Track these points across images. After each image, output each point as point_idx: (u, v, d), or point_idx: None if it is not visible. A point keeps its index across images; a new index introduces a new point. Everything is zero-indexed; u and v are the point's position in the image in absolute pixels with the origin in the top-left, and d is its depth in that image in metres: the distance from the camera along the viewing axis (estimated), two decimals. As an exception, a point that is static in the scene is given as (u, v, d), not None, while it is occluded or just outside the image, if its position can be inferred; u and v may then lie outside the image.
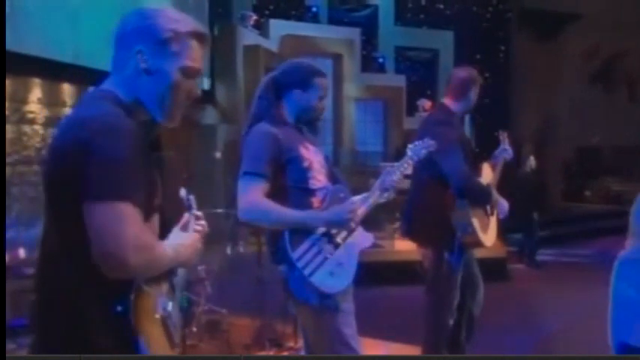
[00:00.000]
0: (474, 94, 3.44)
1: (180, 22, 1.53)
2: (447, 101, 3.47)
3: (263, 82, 2.59)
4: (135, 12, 1.53)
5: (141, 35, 1.49)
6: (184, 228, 1.78)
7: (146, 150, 1.45)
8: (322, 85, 2.56)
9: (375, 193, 2.59)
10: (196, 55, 1.54)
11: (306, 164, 2.44)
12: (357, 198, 2.57)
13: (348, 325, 2.40)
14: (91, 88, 1.58)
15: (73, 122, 1.44)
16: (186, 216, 1.82)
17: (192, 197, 1.90)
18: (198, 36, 1.55)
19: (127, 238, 1.32)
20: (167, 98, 1.53)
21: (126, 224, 1.33)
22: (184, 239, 1.62)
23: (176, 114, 1.56)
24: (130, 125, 1.43)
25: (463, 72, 3.50)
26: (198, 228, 1.81)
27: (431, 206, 3.30)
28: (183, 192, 1.93)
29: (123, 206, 1.33)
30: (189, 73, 1.54)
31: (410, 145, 2.84)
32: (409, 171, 2.79)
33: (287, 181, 2.41)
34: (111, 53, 1.54)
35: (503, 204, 3.44)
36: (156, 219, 1.56)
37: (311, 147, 2.51)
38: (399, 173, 2.66)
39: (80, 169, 1.34)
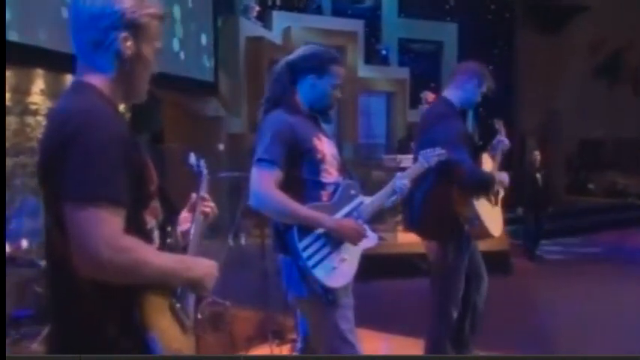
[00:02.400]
0: (474, 88, 3.39)
1: (151, 4, 1.52)
2: (447, 93, 3.46)
3: (279, 64, 2.56)
4: None
5: (120, 20, 1.46)
6: (191, 209, 1.78)
7: (129, 138, 1.45)
8: (338, 73, 2.52)
9: (383, 197, 2.60)
10: (161, 35, 1.57)
11: (319, 156, 2.42)
12: (366, 200, 2.56)
13: (347, 320, 2.40)
14: (73, 79, 1.54)
15: (57, 117, 1.44)
16: (193, 197, 1.83)
17: (202, 162, 1.90)
18: (162, 17, 1.56)
19: (103, 239, 1.31)
20: (145, 81, 1.56)
21: (101, 226, 1.32)
22: (202, 259, 1.60)
23: (145, 92, 1.59)
24: (113, 119, 1.43)
25: (465, 64, 3.52)
26: (207, 210, 1.81)
27: (436, 199, 3.29)
28: (192, 157, 1.93)
29: (100, 208, 1.32)
30: (159, 53, 1.57)
31: (422, 152, 2.89)
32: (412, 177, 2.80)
33: (299, 172, 2.40)
34: (72, 31, 1.49)
35: (504, 176, 3.43)
36: (156, 204, 1.55)
37: (325, 139, 2.49)
38: (408, 180, 2.67)
39: (60, 167, 1.35)
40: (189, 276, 1.52)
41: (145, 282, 1.43)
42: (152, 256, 1.43)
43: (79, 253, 1.33)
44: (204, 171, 1.91)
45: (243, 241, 6.14)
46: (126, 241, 1.36)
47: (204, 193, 1.84)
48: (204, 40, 8.18)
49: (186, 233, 1.74)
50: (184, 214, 1.82)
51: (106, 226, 1.33)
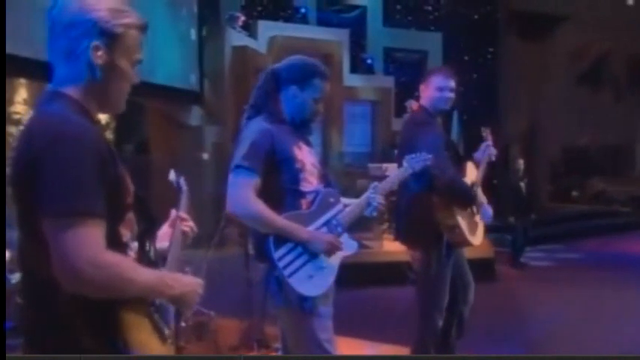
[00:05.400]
0: (438, 89, 3.40)
1: (128, 14, 1.50)
2: (423, 101, 3.51)
3: (264, 72, 2.56)
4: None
5: (93, 29, 1.44)
6: (171, 226, 1.77)
7: (108, 150, 1.43)
8: (320, 87, 2.50)
9: (363, 205, 2.57)
10: (141, 47, 1.55)
11: (298, 165, 2.41)
12: (347, 204, 2.55)
13: (325, 330, 2.39)
14: (46, 88, 1.52)
15: (31, 128, 1.41)
16: (173, 213, 1.81)
17: (182, 179, 1.89)
18: (142, 28, 1.54)
19: (84, 254, 1.29)
20: (122, 92, 1.54)
21: (82, 241, 1.30)
22: (184, 277, 1.56)
23: (123, 103, 1.56)
24: (88, 129, 1.40)
25: (430, 71, 3.59)
26: (186, 229, 1.80)
27: (417, 208, 3.30)
28: (172, 174, 1.92)
29: (79, 222, 1.30)
30: (137, 64, 1.55)
31: (407, 157, 2.86)
32: (396, 183, 2.80)
33: (278, 180, 2.39)
34: (48, 40, 1.47)
35: (488, 209, 3.45)
36: (131, 216, 1.52)
37: (305, 147, 2.49)
38: (390, 185, 2.67)
39: (35, 180, 1.32)
40: (170, 293, 1.49)
41: (125, 297, 1.41)
42: (133, 272, 1.41)
43: (61, 269, 1.30)
44: (185, 187, 1.90)
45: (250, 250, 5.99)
46: (108, 256, 1.34)
47: (183, 212, 1.82)
48: (189, 49, 8.18)
49: (164, 251, 1.71)
50: (164, 230, 1.79)
51: (86, 241, 1.30)
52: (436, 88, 3.41)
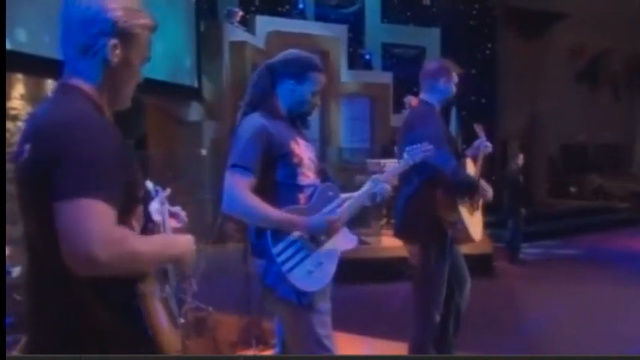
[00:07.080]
0: (445, 84, 3.43)
1: (143, 15, 1.54)
2: (423, 95, 3.50)
3: (259, 69, 2.56)
4: None
5: (111, 28, 1.47)
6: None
7: (121, 142, 1.44)
8: (317, 80, 2.51)
9: (363, 198, 2.56)
10: (150, 46, 1.59)
11: (296, 160, 2.41)
12: (345, 197, 2.55)
13: (324, 325, 2.38)
14: (57, 82, 1.54)
15: (43, 120, 1.43)
16: (161, 194, 1.79)
17: (161, 192, 1.81)
18: (152, 28, 1.58)
19: (96, 233, 1.30)
20: (130, 89, 1.58)
21: (94, 220, 1.30)
22: (179, 236, 1.61)
23: (130, 100, 1.60)
24: (101, 120, 1.43)
25: (430, 63, 3.58)
26: (176, 225, 1.81)
27: (418, 203, 3.29)
28: (149, 184, 1.89)
29: (91, 202, 1.31)
30: (145, 63, 1.58)
31: (408, 149, 2.85)
32: (397, 174, 2.78)
33: (275, 176, 2.38)
34: (62, 34, 1.49)
35: (487, 189, 3.45)
36: (140, 210, 1.54)
37: (302, 142, 2.48)
38: (392, 178, 2.65)
39: (50, 169, 1.33)
40: (172, 253, 1.53)
41: (137, 272, 1.43)
42: (141, 243, 1.43)
43: (71, 250, 1.30)
44: (165, 202, 1.85)
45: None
46: (117, 233, 1.35)
47: (167, 205, 1.80)
48: (187, 44, 8.16)
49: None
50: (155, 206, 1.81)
51: (99, 220, 1.31)
52: (446, 81, 3.45)
